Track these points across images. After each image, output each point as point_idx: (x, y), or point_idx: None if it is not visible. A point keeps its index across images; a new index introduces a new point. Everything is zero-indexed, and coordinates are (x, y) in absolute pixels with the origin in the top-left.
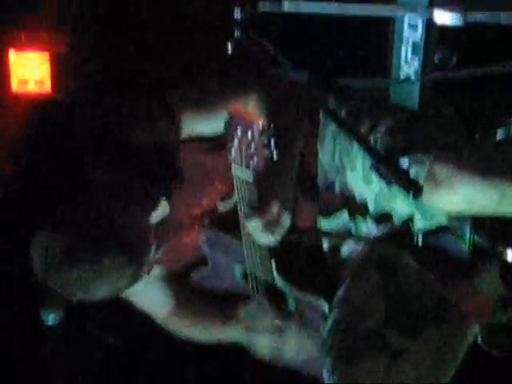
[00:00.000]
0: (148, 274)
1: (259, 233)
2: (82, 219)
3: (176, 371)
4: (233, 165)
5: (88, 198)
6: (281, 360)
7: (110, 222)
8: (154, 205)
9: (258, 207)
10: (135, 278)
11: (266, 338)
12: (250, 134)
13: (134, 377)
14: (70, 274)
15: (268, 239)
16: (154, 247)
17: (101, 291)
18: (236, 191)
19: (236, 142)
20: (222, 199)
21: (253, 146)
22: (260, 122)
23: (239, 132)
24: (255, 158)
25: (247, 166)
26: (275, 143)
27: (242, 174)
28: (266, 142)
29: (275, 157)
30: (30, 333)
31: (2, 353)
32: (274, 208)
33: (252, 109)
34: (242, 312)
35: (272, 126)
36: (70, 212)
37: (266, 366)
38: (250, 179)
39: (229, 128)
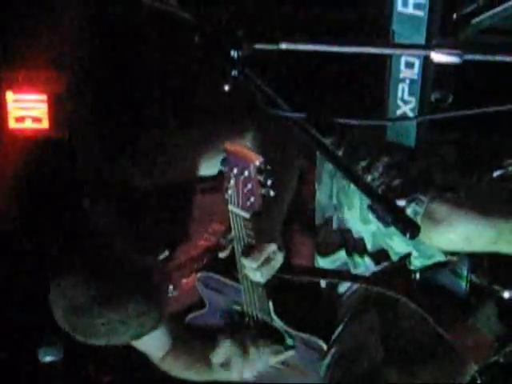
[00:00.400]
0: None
1: (254, 271)
2: (103, 266)
3: None
4: (229, 204)
5: (102, 243)
6: None
7: (130, 268)
8: (159, 252)
9: (255, 247)
10: (159, 321)
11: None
12: (246, 173)
13: None
14: (96, 323)
15: (258, 277)
16: (170, 288)
17: (126, 337)
18: (233, 229)
19: (233, 181)
20: (221, 248)
21: (249, 185)
22: (257, 161)
23: (236, 171)
24: (252, 198)
25: (244, 205)
26: (272, 182)
27: (238, 212)
28: (262, 180)
29: (272, 195)
30: (27, 370)
31: None
32: (271, 248)
33: (249, 148)
34: (217, 354)
35: (268, 165)
36: (87, 257)
37: None
38: (247, 217)
39: (226, 167)
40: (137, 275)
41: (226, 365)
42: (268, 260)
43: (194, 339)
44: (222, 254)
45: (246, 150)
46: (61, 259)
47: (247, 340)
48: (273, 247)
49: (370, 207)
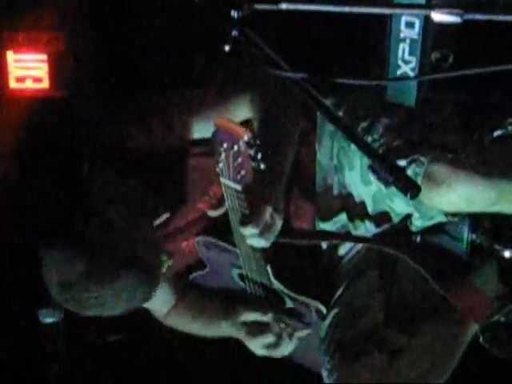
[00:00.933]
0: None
1: (255, 239)
2: (93, 235)
3: (174, 370)
4: (221, 176)
5: (95, 212)
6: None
7: (121, 238)
8: (157, 216)
9: (252, 214)
10: (151, 292)
11: (262, 342)
12: (236, 147)
13: (133, 375)
14: (86, 297)
15: (263, 243)
16: (165, 260)
17: (118, 308)
18: (226, 200)
19: (223, 155)
20: (215, 206)
21: (239, 159)
22: (245, 136)
23: (225, 145)
24: (242, 171)
25: (235, 178)
26: (262, 155)
27: (230, 184)
28: (252, 154)
29: (262, 168)
30: (28, 331)
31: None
32: (267, 213)
33: (243, 109)
34: (242, 317)
35: (258, 137)
36: (77, 226)
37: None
38: (239, 189)
39: (215, 141)
40: (128, 249)
41: (249, 328)
42: (267, 226)
43: (200, 295)
44: (213, 214)
45: (235, 124)
46: (52, 230)
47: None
48: (269, 210)
49: (371, 167)
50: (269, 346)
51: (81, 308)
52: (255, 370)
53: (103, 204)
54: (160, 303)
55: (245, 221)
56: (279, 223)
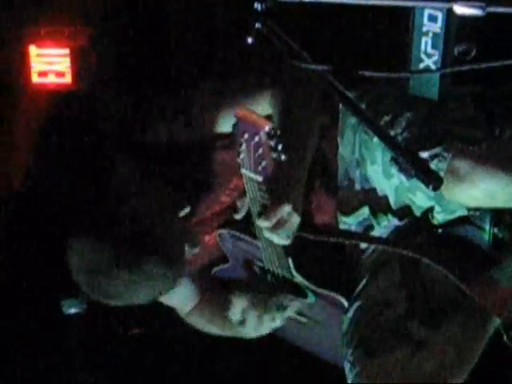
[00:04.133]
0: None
1: (270, 232)
2: (118, 225)
3: (195, 363)
4: (242, 168)
5: (120, 202)
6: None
7: (147, 227)
8: (181, 208)
9: (269, 208)
10: (176, 281)
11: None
12: (257, 138)
13: (153, 368)
14: (112, 285)
15: (275, 239)
16: (189, 248)
17: (143, 297)
18: (247, 192)
19: (244, 145)
20: (236, 210)
21: (260, 150)
22: (266, 127)
23: (246, 136)
24: (263, 162)
25: (256, 169)
26: (283, 146)
27: (251, 176)
28: (273, 145)
29: (283, 159)
30: (51, 322)
31: (22, 341)
32: (284, 210)
33: (265, 103)
34: (233, 312)
35: (279, 129)
36: (103, 217)
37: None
38: (260, 180)
39: (236, 132)
40: (153, 236)
41: (242, 322)
42: (282, 222)
43: (219, 293)
44: (237, 216)
45: (256, 115)
46: (77, 219)
47: (262, 295)
48: (287, 208)
49: (394, 159)
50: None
51: (107, 297)
52: (275, 364)
53: (128, 195)
54: (184, 300)
55: (261, 212)
56: (296, 222)
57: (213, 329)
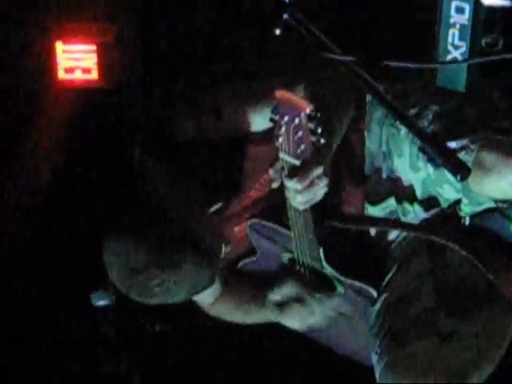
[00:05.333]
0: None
1: (296, 194)
2: (156, 223)
3: (220, 360)
4: (280, 151)
5: (155, 200)
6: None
7: (183, 225)
8: (213, 204)
9: (301, 167)
10: (213, 279)
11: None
12: (297, 120)
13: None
14: (150, 284)
15: (302, 203)
16: (223, 248)
17: (181, 295)
18: (283, 176)
19: (283, 128)
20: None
21: (300, 132)
22: (308, 109)
23: (286, 118)
24: (302, 145)
25: (294, 152)
26: (322, 130)
27: (289, 159)
28: (313, 128)
29: (322, 143)
30: (80, 314)
31: (51, 334)
32: (317, 171)
33: (299, 95)
34: (276, 292)
35: (319, 112)
36: (139, 215)
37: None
38: (298, 164)
39: (276, 115)
40: (191, 235)
41: (281, 306)
42: (312, 184)
43: (244, 283)
44: (274, 185)
45: (297, 97)
46: (113, 219)
47: (306, 289)
48: (319, 170)
49: (421, 149)
50: (301, 316)
51: (146, 296)
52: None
53: (163, 194)
54: (207, 293)
55: (293, 173)
56: (324, 187)
57: (237, 316)
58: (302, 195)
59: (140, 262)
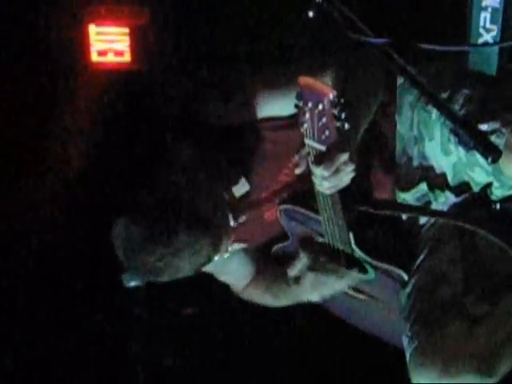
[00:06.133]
0: (228, 249)
1: (323, 180)
2: (159, 198)
3: (247, 346)
4: (305, 137)
5: (165, 174)
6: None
7: (181, 200)
8: (233, 181)
9: (327, 154)
10: (215, 250)
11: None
12: (321, 106)
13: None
14: (150, 261)
15: (328, 189)
16: (230, 217)
17: (182, 267)
18: (309, 162)
19: (308, 114)
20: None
21: (324, 118)
22: (331, 95)
23: (310, 105)
24: (327, 131)
25: (319, 138)
26: (346, 115)
27: (314, 145)
28: (337, 113)
29: (346, 128)
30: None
31: (83, 316)
32: (343, 157)
33: (328, 79)
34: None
35: (343, 98)
36: (147, 191)
37: None
38: (323, 150)
39: (300, 101)
40: (190, 206)
41: (298, 278)
42: (338, 170)
43: (277, 266)
44: (297, 171)
45: (320, 83)
46: (128, 198)
47: (322, 259)
48: (345, 156)
49: (453, 132)
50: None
51: (152, 273)
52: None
53: (172, 168)
54: (239, 276)
55: (319, 159)
56: (350, 173)
57: (267, 299)
58: (328, 181)
59: (135, 241)
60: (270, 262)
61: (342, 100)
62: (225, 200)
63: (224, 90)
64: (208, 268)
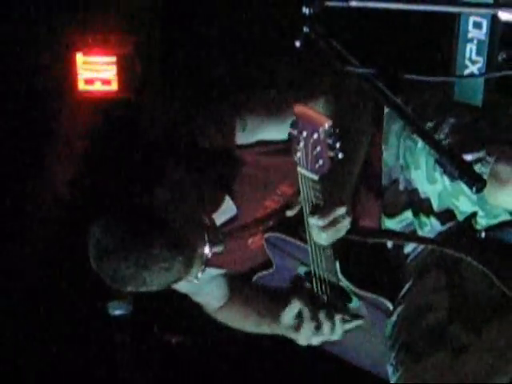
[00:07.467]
0: (198, 275)
1: (319, 231)
2: (135, 213)
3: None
4: (298, 166)
5: (145, 192)
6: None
7: (162, 215)
8: (215, 204)
9: (324, 206)
10: (185, 271)
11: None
12: (316, 135)
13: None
14: (120, 267)
15: (326, 240)
16: (206, 243)
17: (149, 281)
18: (301, 191)
19: (302, 143)
20: (289, 206)
21: (318, 147)
22: (326, 124)
23: (305, 133)
24: (321, 160)
25: (313, 167)
26: (340, 145)
27: (307, 174)
28: (331, 143)
29: (340, 157)
30: (97, 323)
31: (68, 343)
32: (340, 211)
33: (319, 110)
34: (285, 315)
35: (338, 127)
36: (124, 206)
37: None
38: (316, 179)
39: (295, 129)
40: (167, 225)
41: (296, 327)
42: (335, 222)
43: (257, 295)
44: (290, 213)
45: (316, 112)
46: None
47: (319, 308)
48: (342, 210)
49: (438, 162)
50: (312, 333)
51: (118, 281)
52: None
53: (153, 183)
54: (214, 297)
55: (315, 210)
56: (347, 225)
57: (246, 326)
58: (324, 233)
59: (109, 244)
60: (249, 289)
61: (337, 130)
62: (205, 226)
63: (218, 115)
64: (183, 288)
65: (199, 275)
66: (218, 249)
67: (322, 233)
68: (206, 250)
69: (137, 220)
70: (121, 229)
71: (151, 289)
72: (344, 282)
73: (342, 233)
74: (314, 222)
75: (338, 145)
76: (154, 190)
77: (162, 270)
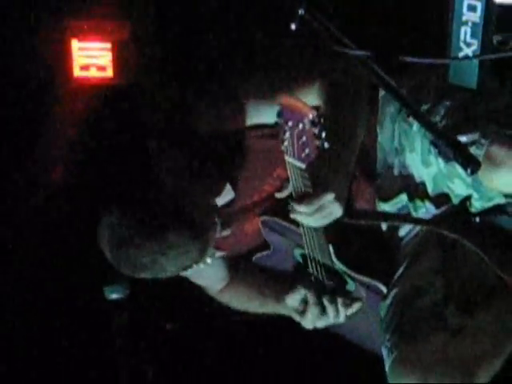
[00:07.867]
0: (210, 256)
1: (305, 216)
2: (149, 200)
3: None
4: (285, 155)
5: (155, 181)
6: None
7: (175, 201)
8: (219, 189)
9: (310, 194)
10: (201, 254)
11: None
12: (301, 126)
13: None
14: (137, 255)
15: (311, 223)
16: (218, 226)
17: (166, 267)
18: (290, 179)
19: (288, 133)
20: (280, 188)
21: (304, 137)
22: (310, 115)
23: (291, 124)
24: (307, 149)
25: (299, 156)
26: (326, 134)
27: (295, 163)
28: (317, 133)
29: (326, 147)
30: (94, 307)
31: (65, 327)
32: (326, 198)
33: (314, 93)
34: (290, 300)
35: (323, 117)
36: (136, 194)
37: None
38: (303, 167)
39: (281, 119)
40: (180, 209)
41: (301, 311)
42: (321, 208)
43: (255, 276)
44: (279, 195)
45: (301, 102)
46: (113, 193)
47: (323, 293)
48: (329, 197)
49: (433, 143)
50: (317, 317)
51: (136, 269)
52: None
53: (164, 171)
54: (214, 280)
55: (300, 198)
56: (337, 211)
57: (251, 307)
58: (310, 218)
59: (126, 233)
60: (250, 271)
61: (322, 120)
62: (216, 209)
63: (215, 98)
64: (186, 272)
65: (208, 260)
66: (226, 232)
67: (308, 217)
68: (218, 232)
69: (150, 208)
70: (136, 217)
71: (168, 274)
72: (338, 265)
73: (332, 218)
74: (298, 208)
75: (323, 134)
76: (159, 179)
77: (179, 255)
